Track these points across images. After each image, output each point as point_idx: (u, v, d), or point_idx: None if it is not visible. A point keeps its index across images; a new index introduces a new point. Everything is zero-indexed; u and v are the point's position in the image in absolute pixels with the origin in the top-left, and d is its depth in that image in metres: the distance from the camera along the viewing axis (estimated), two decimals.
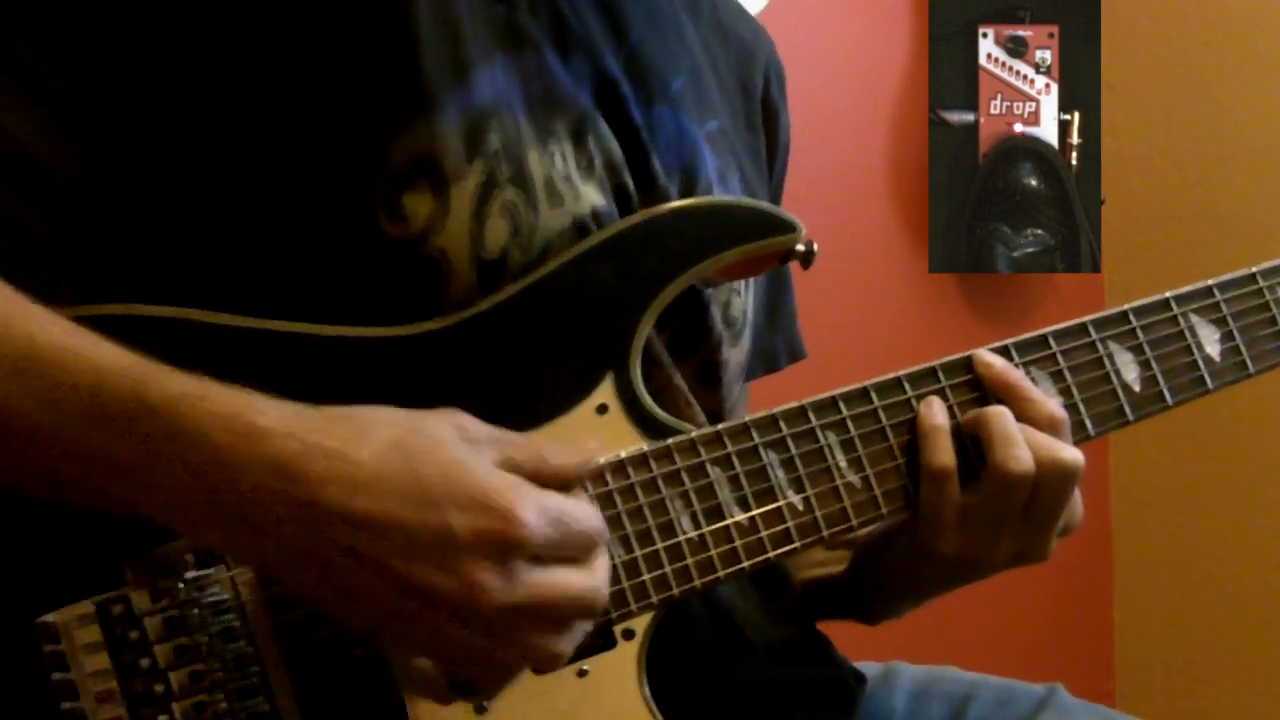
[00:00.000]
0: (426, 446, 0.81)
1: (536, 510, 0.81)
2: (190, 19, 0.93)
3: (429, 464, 0.80)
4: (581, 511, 0.84)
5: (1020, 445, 1.02)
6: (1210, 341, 1.14)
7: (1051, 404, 1.05)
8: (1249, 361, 1.16)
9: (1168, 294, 1.13)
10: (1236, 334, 1.15)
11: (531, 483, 0.83)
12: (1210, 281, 1.15)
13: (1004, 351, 1.08)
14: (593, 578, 0.84)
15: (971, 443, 1.04)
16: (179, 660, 0.85)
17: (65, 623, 0.84)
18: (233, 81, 0.93)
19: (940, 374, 1.06)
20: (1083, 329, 1.11)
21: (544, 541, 0.81)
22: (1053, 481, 1.03)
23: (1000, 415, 1.03)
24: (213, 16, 0.93)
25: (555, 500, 0.83)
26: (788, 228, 1.04)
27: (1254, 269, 1.17)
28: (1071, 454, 1.03)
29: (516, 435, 0.86)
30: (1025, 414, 1.04)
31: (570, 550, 0.83)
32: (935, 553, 1.05)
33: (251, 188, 0.94)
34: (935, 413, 1.04)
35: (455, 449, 0.81)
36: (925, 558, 1.06)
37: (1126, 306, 1.12)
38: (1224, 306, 1.15)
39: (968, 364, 1.07)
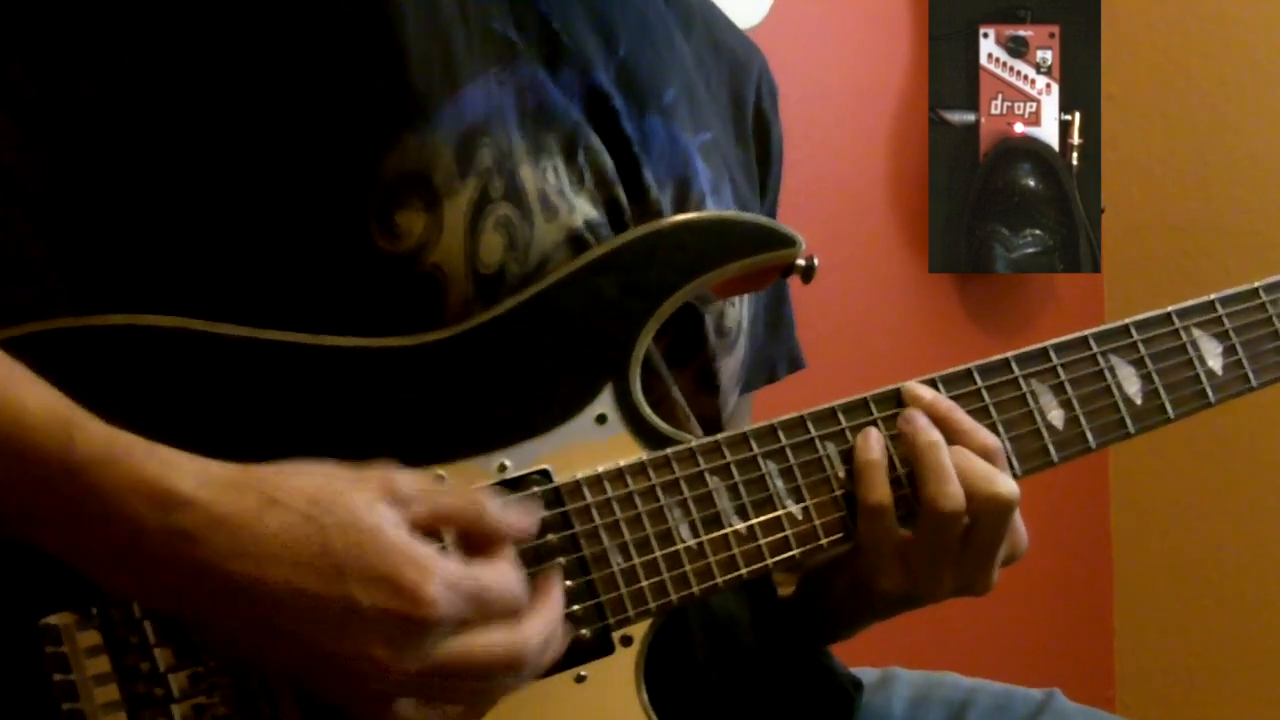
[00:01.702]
0: (340, 515, 0.80)
1: (447, 587, 0.80)
2: (177, 30, 0.92)
3: (340, 535, 0.80)
4: (501, 579, 0.84)
5: (951, 481, 1.00)
6: (1213, 355, 1.14)
7: (985, 434, 1.04)
8: (1251, 375, 1.15)
9: (1170, 308, 1.13)
10: (1239, 348, 1.15)
11: (456, 545, 0.84)
12: (1213, 296, 1.15)
13: (1004, 365, 1.08)
14: (513, 634, 0.84)
15: (908, 477, 1.02)
16: (179, 663, 0.85)
17: (67, 625, 0.84)
18: (220, 94, 0.93)
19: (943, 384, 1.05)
20: (1084, 342, 1.10)
21: (454, 617, 0.81)
22: (989, 515, 1.01)
23: (931, 449, 1.01)
24: (199, 28, 0.93)
25: (471, 575, 0.82)
26: (788, 242, 1.04)
27: (1257, 284, 1.17)
28: (1007, 486, 1.01)
29: (450, 491, 0.86)
30: (959, 445, 1.02)
31: (490, 616, 0.83)
32: (876, 589, 1.03)
33: (244, 202, 0.93)
34: (871, 447, 1.02)
35: (372, 516, 0.81)
36: (866, 593, 1.05)
37: (1128, 320, 1.12)
38: (1226, 320, 1.15)
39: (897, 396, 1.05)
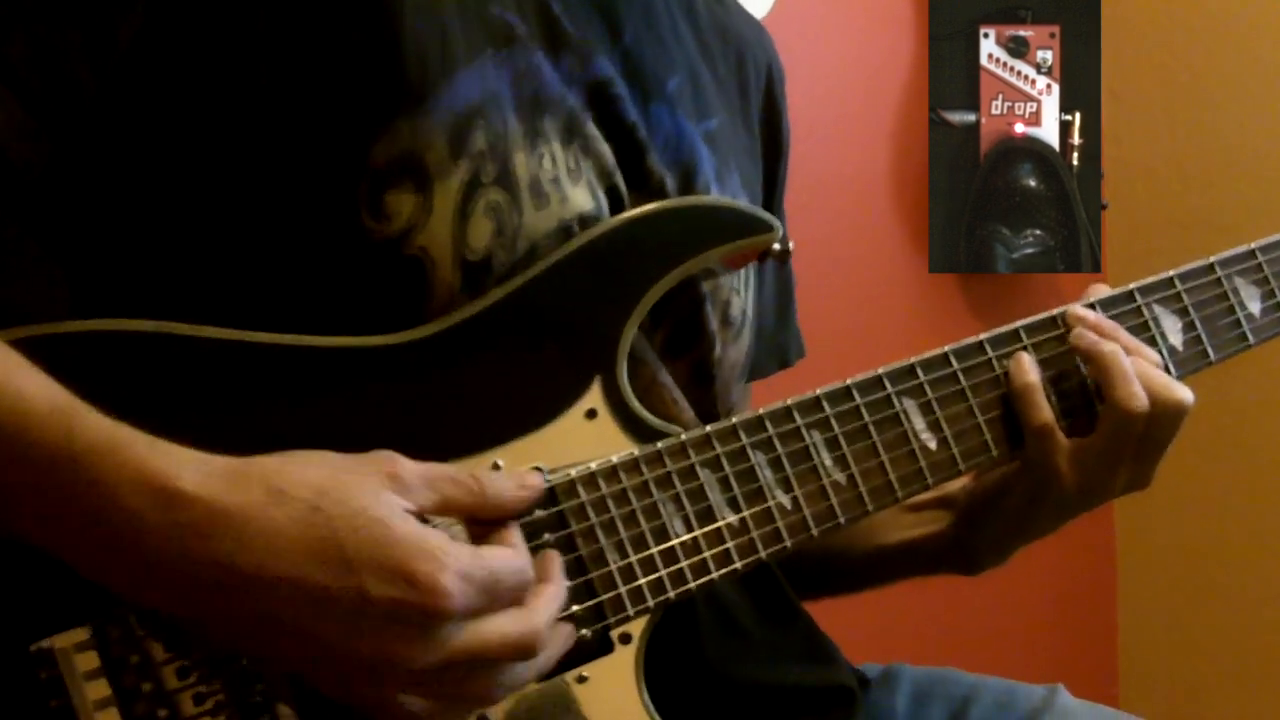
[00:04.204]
0: (348, 507, 0.79)
1: (460, 578, 0.79)
2: (175, 13, 0.92)
3: (349, 526, 0.78)
4: (511, 563, 0.84)
5: (1137, 383, 1.08)
6: (1173, 332, 1.18)
7: (1150, 350, 1.12)
8: (1210, 350, 1.19)
9: (1131, 285, 1.17)
10: (1198, 323, 1.19)
11: (463, 525, 0.84)
12: (1171, 272, 1.19)
13: (977, 347, 1.11)
14: (526, 619, 0.83)
15: (1060, 392, 1.10)
16: (181, 682, 0.84)
17: (63, 649, 0.82)
18: (213, 78, 0.92)
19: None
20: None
21: (468, 607, 0.80)
22: (1167, 417, 1.09)
23: (1117, 354, 1.09)
24: (193, 10, 0.92)
25: (483, 563, 0.81)
26: (765, 227, 1.04)
27: (1211, 259, 1.22)
28: (1185, 391, 1.10)
29: (452, 471, 0.85)
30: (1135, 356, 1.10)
31: (501, 602, 0.83)
32: (1053, 493, 1.09)
33: (235, 185, 0.93)
34: (1026, 370, 1.09)
35: (380, 506, 0.80)
36: (1043, 499, 1.10)
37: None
38: (1185, 297, 1.19)
39: (1053, 321, 1.12)
